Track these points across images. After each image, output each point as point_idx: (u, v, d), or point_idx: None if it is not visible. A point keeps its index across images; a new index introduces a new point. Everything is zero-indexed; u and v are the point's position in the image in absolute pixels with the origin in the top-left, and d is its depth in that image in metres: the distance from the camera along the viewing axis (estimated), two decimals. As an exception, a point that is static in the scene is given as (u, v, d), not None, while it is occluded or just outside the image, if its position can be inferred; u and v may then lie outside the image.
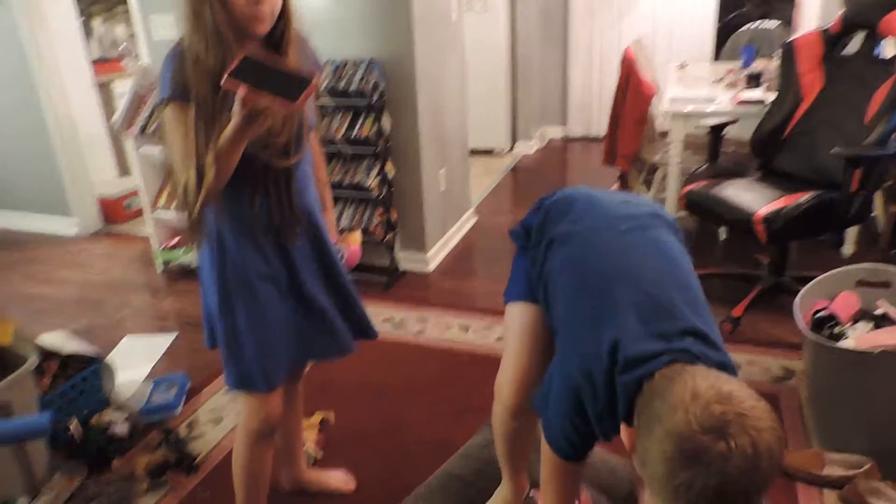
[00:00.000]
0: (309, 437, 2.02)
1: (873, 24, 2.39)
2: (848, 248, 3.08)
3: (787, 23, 4.69)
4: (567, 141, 5.76)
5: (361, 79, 2.85)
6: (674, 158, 3.09)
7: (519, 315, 1.34)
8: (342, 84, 2.86)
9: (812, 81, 2.61)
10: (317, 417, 2.09)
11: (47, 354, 2.11)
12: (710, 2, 5.18)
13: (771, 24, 4.47)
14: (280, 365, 1.43)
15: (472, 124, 5.03)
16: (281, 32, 1.30)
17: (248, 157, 1.25)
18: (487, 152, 5.36)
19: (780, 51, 2.74)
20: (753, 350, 2.37)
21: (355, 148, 2.95)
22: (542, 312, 1.28)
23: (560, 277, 1.18)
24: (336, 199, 3.09)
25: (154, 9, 3.32)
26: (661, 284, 1.07)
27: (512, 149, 5.46)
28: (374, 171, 2.96)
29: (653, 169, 3.50)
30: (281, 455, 1.79)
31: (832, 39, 2.59)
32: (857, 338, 1.78)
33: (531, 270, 1.29)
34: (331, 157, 3.04)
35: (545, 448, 1.20)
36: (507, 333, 1.39)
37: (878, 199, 3.26)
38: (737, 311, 2.52)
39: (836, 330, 1.79)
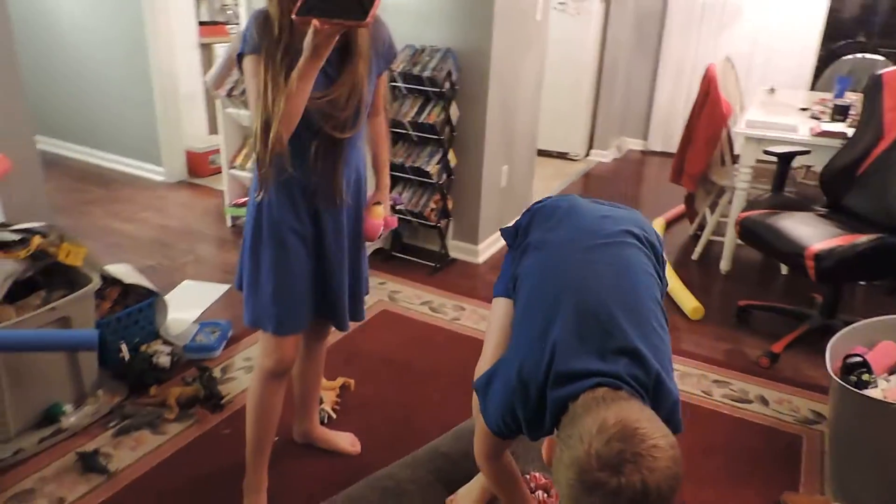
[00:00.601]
0: (327, 398, 2.13)
1: (971, 68, 2.25)
2: (917, 302, 2.92)
3: (892, 59, 4.43)
4: (646, 154, 5.66)
5: (436, 66, 2.93)
6: (741, 183, 3.00)
7: (499, 310, 1.41)
8: (416, 69, 2.95)
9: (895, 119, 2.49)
10: (338, 382, 2.20)
11: (111, 282, 2.31)
12: (816, 27, 4.95)
13: (876, 57, 4.24)
14: (296, 314, 1.52)
15: (549, 126, 5.07)
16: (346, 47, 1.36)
17: (307, 122, 1.35)
18: (562, 155, 5.34)
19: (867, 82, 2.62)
20: (786, 389, 2.30)
21: (420, 133, 3.04)
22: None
23: (525, 281, 1.25)
24: (397, 180, 3.20)
25: (257, -21, 3.52)
26: (607, 302, 1.10)
27: (588, 155, 5.41)
28: (436, 158, 3.04)
29: (721, 192, 3.41)
30: (297, 408, 1.92)
31: (925, 78, 2.45)
32: (887, 389, 1.71)
33: (511, 270, 1.37)
34: (397, 139, 3.14)
35: (480, 420, 1.26)
36: (488, 325, 1.46)
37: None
38: (777, 347, 2.45)
39: (865, 377, 1.72)
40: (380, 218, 1.65)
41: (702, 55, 5.24)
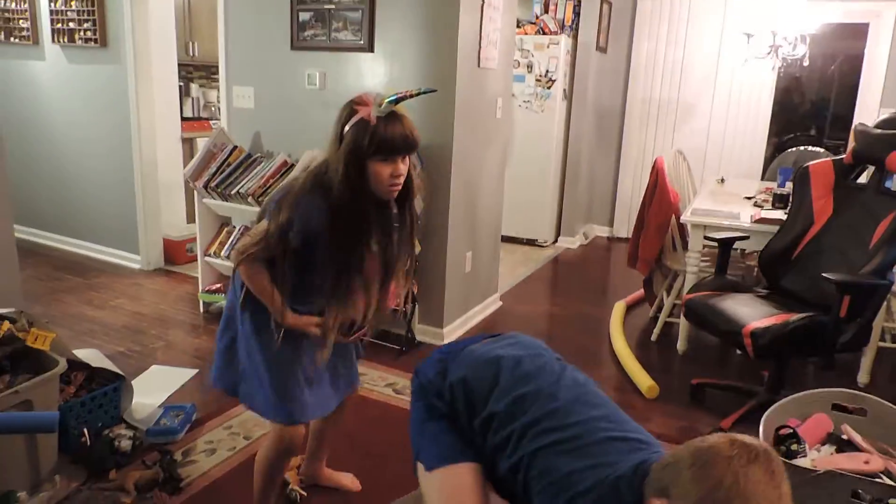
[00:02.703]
0: (292, 479, 2.17)
1: (880, 160, 2.48)
2: (863, 377, 3.03)
3: (836, 151, 4.76)
4: (612, 240, 5.89)
5: (400, 160, 3.13)
6: (690, 267, 3.17)
7: (461, 476, 1.32)
8: (382, 162, 3.15)
9: (823, 207, 2.69)
10: (296, 461, 2.23)
11: (78, 366, 2.37)
12: (764, 122, 5.32)
13: (817, 149, 4.56)
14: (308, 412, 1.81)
15: (518, 214, 5.31)
16: (404, 193, 1.65)
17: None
18: (531, 241, 5.54)
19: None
20: (735, 463, 2.36)
21: (386, 221, 3.20)
22: (479, 469, 1.32)
23: (522, 443, 1.23)
24: (364, 266, 3.33)
25: (236, 81, 3.77)
26: (618, 422, 1.26)
27: (555, 241, 5.62)
28: (401, 244, 3.19)
29: (675, 276, 3.58)
30: (308, 453, 2.17)
31: (845, 169, 2.68)
32: (815, 459, 1.80)
33: (456, 433, 1.36)
34: (365, 227, 3.30)
35: None
36: (442, 498, 1.33)
37: (902, 334, 3.21)
38: (725, 423, 2.54)
39: (794, 447, 1.81)
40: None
41: (660, 148, 5.58)
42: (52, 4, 4.35)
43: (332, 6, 3.36)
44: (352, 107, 1.58)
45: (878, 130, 2.53)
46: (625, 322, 3.77)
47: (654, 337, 3.55)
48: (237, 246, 1.66)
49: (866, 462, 1.74)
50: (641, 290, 4.00)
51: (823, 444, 1.89)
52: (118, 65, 4.20)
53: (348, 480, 2.19)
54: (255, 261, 1.61)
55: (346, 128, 1.56)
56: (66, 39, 4.35)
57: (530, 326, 3.58)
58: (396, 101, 1.58)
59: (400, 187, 1.60)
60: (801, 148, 4.74)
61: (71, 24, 4.30)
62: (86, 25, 4.23)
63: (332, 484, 2.17)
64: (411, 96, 1.60)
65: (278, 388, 1.71)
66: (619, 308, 3.86)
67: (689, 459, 0.96)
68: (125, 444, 2.27)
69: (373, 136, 1.52)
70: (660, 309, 3.70)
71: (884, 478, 1.70)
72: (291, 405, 1.72)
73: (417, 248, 3.25)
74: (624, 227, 5.85)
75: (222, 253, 3.61)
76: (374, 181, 1.56)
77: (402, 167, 1.59)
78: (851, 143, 2.66)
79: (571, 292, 4.61)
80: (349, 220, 1.56)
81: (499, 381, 1.31)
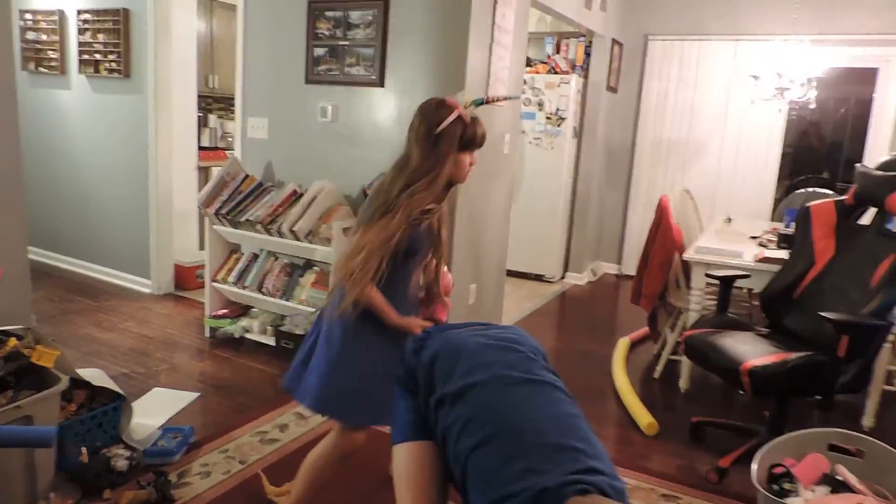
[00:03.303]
0: (272, 492, 2.18)
1: (881, 202, 2.49)
2: (867, 420, 2.98)
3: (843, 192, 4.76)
4: (620, 277, 5.88)
5: (406, 191, 3.18)
6: (693, 304, 3.17)
7: (411, 456, 1.37)
8: (389, 193, 3.21)
9: (825, 247, 2.70)
10: (288, 486, 2.23)
11: (80, 384, 2.41)
12: (773, 164, 5.34)
13: (826, 191, 4.56)
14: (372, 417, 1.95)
15: (525, 249, 5.34)
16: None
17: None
18: (538, 277, 5.55)
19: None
20: (732, 503, 2.33)
21: (391, 251, 3.24)
22: (432, 448, 1.34)
23: (465, 431, 1.23)
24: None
25: (251, 112, 3.89)
26: (557, 432, 1.19)
27: (563, 277, 5.63)
28: (405, 274, 3.22)
29: (679, 314, 3.56)
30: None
31: (846, 210, 2.70)
32: (809, 500, 1.77)
33: (416, 413, 1.38)
34: (370, 256, 3.35)
35: None
36: (399, 474, 1.39)
37: (909, 378, 3.17)
38: (724, 462, 2.50)
39: (787, 486, 1.79)
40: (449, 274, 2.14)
41: (669, 186, 5.60)
42: (81, 36, 4.52)
43: (347, 42, 3.47)
44: (443, 108, 1.83)
45: (879, 172, 2.55)
46: (629, 359, 3.75)
47: (656, 374, 3.53)
48: (351, 269, 1.78)
49: (859, 503, 1.72)
50: (646, 328, 3.98)
51: (818, 484, 1.87)
52: (140, 95, 4.35)
53: None
54: (369, 280, 1.78)
55: (442, 126, 1.80)
56: (91, 70, 4.51)
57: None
58: (481, 104, 1.91)
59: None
60: (811, 189, 4.76)
61: (97, 56, 4.46)
62: (111, 57, 4.39)
63: None
64: (496, 101, 2.00)
65: (355, 392, 1.88)
66: (622, 344, 3.85)
67: None
68: (122, 464, 2.29)
69: (465, 132, 1.83)
70: (664, 346, 3.68)
71: (877, 520, 1.67)
72: (364, 409, 1.89)
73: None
74: (632, 264, 5.83)
75: (230, 279, 3.67)
76: (457, 169, 1.86)
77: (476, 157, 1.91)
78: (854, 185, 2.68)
79: (577, 328, 4.60)
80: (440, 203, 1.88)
81: (457, 367, 1.31)
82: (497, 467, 1.14)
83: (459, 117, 1.82)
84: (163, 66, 4.31)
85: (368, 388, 1.86)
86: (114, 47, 4.36)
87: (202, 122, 5.68)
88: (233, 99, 4.04)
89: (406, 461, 1.37)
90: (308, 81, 3.62)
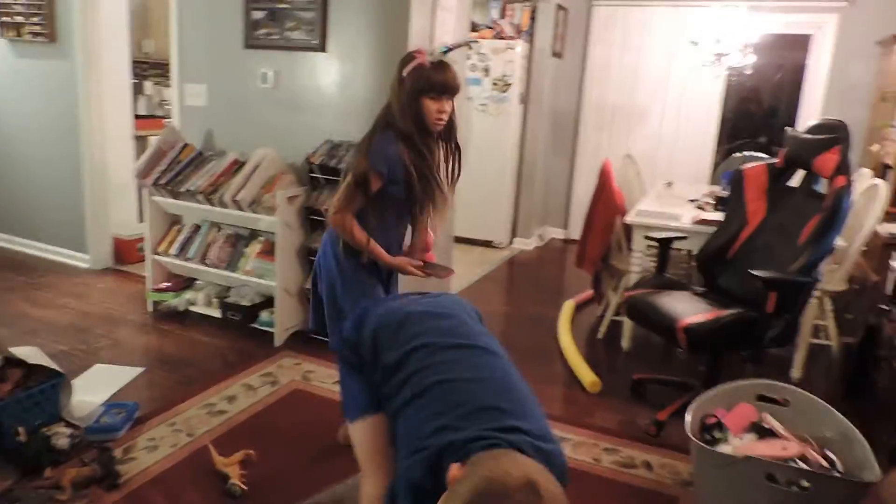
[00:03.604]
0: (234, 474, 2.17)
1: (809, 164, 2.60)
2: (795, 372, 3.15)
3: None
4: (567, 242, 5.99)
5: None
6: (634, 266, 3.26)
7: (373, 430, 1.43)
8: (333, 162, 3.17)
9: (757, 209, 2.80)
10: (237, 456, 2.24)
11: (14, 363, 2.33)
12: (713, 129, 5.48)
13: (761, 155, 4.72)
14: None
15: (474, 215, 5.36)
16: (448, 130, 2.08)
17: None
18: (487, 243, 5.60)
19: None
20: (669, 454, 2.45)
21: (337, 219, 3.22)
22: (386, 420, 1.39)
23: (398, 396, 1.28)
24: (315, 264, 3.35)
25: (189, 79, 3.75)
26: (490, 394, 1.22)
27: (511, 243, 5.70)
28: (352, 243, 3.21)
29: (622, 276, 3.66)
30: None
31: (777, 172, 2.80)
32: (739, 446, 1.88)
33: (367, 387, 1.41)
34: (316, 226, 3.32)
35: None
36: (361, 448, 1.46)
37: (832, 329, 3.36)
38: (662, 416, 2.62)
39: (717, 435, 1.89)
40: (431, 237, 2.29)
41: (614, 151, 5.67)
42: (-1, -3, 4.26)
43: (286, 5, 3.37)
44: (409, 56, 1.98)
45: (807, 135, 2.65)
46: (574, 321, 3.85)
47: (600, 335, 3.64)
48: (331, 203, 2.07)
49: (784, 448, 1.83)
50: (591, 290, 4.08)
51: (747, 432, 1.98)
52: (67, 60, 4.13)
53: None
54: (346, 212, 2.01)
55: (405, 72, 1.96)
56: (13, 34, 4.26)
57: (489, 321, 3.62)
58: (447, 52, 1.98)
59: (443, 122, 2.02)
60: (747, 153, 4.91)
61: (19, 18, 4.21)
62: (34, 19, 4.15)
63: None
64: (459, 47, 2.09)
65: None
66: (568, 307, 3.94)
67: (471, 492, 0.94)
68: (62, 442, 2.24)
69: (426, 78, 1.94)
70: (607, 308, 3.79)
71: (798, 462, 1.78)
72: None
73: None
74: (578, 228, 5.86)
75: (171, 251, 3.58)
76: (425, 115, 1.98)
77: (446, 106, 2.00)
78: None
79: (525, 293, 4.68)
80: (415, 146, 1.98)
81: (399, 337, 1.35)
82: (419, 424, 1.18)
83: (420, 63, 1.94)
84: (92, 30, 4.09)
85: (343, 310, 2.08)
86: (37, 9, 4.12)
87: (137, 90, 5.45)
88: (168, 64, 3.88)
89: (371, 435, 1.43)
90: (247, 46, 3.51)
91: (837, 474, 1.75)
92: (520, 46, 5.27)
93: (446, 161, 2.13)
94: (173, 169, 3.47)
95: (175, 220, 3.72)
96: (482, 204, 5.47)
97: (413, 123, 1.98)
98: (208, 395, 2.73)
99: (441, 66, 1.96)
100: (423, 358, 1.29)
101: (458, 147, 2.14)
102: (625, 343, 3.46)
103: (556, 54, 5.60)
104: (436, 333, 1.34)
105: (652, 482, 2.27)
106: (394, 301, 1.52)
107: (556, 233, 6.10)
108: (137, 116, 5.04)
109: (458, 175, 2.17)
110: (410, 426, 1.20)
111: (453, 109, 2.05)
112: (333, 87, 3.35)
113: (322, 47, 3.33)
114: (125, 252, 4.48)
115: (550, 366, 3.28)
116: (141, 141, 4.93)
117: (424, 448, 1.12)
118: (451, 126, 2.08)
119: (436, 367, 1.26)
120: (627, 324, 3.43)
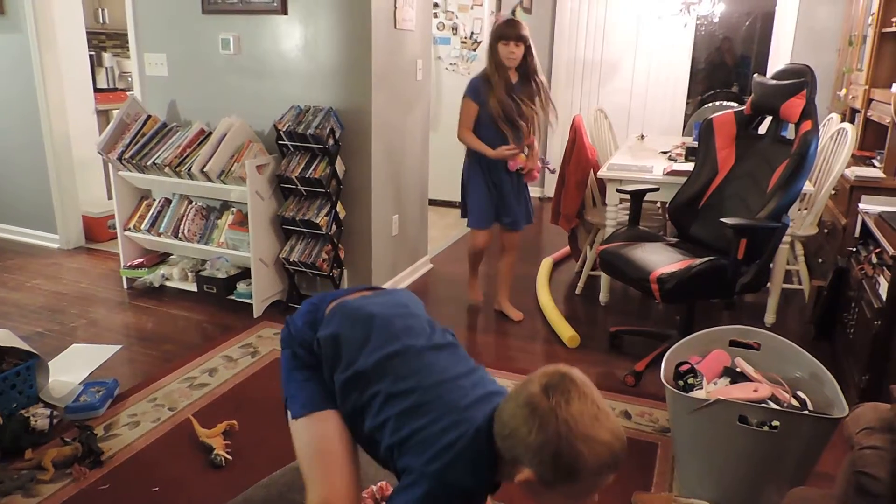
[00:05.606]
0: (217, 445, 2.18)
1: (776, 110, 2.61)
2: (769, 317, 3.22)
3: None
4: (543, 200, 5.99)
5: (318, 125, 3.10)
6: (609, 220, 3.28)
7: (329, 424, 1.35)
8: (301, 128, 3.11)
9: (726, 157, 2.82)
10: (220, 427, 2.24)
11: (-15, 348, 2.29)
12: (683, 80, 5.47)
13: (732, 104, 4.72)
14: (484, 220, 3.20)
15: (450, 178, 5.30)
16: (526, 68, 3.04)
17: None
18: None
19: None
20: (647, 402, 2.50)
21: (308, 187, 3.18)
22: (340, 416, 1.35)
23: (387, 405, 1.25)
24: (289, 233, 3.32)
25: (147, 48, 3.63)
26: (476, 384, 1.28)
27: (488, 203, 5.68)
28: (325, 210, 3.18)
29: (597, 231, 3.69)
30: (499, 284, 3.39)
31: (745, 120, 2.81)
32: (713, 391, 1.92)
33: (320, 384, 1.38)
34: (287, 193, 3.28)
35: None
36: (310, 448, 1.36)
37: (803, 274, 3.42)
38: (639, 366, 2.66)
39: (691, 381, 1.93)
40: (523, 158, 3.14)
41: (586, 106, 5.67)
42: (-59, -31, 4.06)
43: (243, -33, 3.26)
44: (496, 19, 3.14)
45: (774, 81, 2.65)
46: (552, 278, 3.88)
47: (578, 290, 3.67)
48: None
49: (755, 390, 1.87)
50: (568, 247, 4.11)
51: (720, 377, 2.02)
52: (19, 33, 3.98)
53: (513, 312, 3.30)
54: (462, 128, 3.12)
55: (492, 29, 3.02)
56: (-41, 7, 4.08)
57: (461, 286, 3.63)
58: (513, 13, 2.96)
59: (515, 61, 2.97)
60: (718, 103, 4.91)
61: (-37, -9, 4.03)
62: (-20, -8, 3.97)
63: (505, 311, 3.33)
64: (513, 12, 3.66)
65: (474, 204, 3.19)
66: (546, 264, 3.97)
67: (525, 427, 1.07)
68: (42, 423, 2.23)
69: (498, 30, 2.96)
70: (584, 263, 3.82)
71: (769, 403, 1.83)
72: (478, 216, 3.19)
73: (342, 213, 3.26)
74: (554, 186, 5.95)
75: (142, 227, 3.52)
76: (500, 56, 2.95)
77: (516, 50, 2.94)
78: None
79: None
80: (494, 82, 2.99)
81: (370, 340, 1.31)
82: (431, 426, 1.19)
83: (496, 21, 3.01)
84: (42, 1, 3.94)
85: (475, 201, 3.17)
86: (-18, -20, 3.94)
87: (96, 62, 5.29)
88: (127, 35, 3.75)
89: (321, 429, 1.34)
90: (205, 11, 3.40)
91: (807, 413, 1.80)
92: (487, 2, 5.17)
93: (536, 93, 3.05)
94: (138, 142, 3.39)
95: (144, 195, 3.65)
96: (457, 166, 5.41)
97: (494, 65, 2.96)
98: (189, 369, 2.73)
99: (509, 21, 2.95)
100: (407, 362, 1.29)
101: (539, 83, 3.06)
102: (602, 297, 3.50)
103: (526, 9, 5.51)
104: (410, 335, 1.33)
105: (631, 430, 2.32)
106: (347, 297, 1.46)
107: (534, 191, 6.04)
108: (98, 90, 4.90)
109: (548, 99, 3.12)
110: (418, 430, 1.20)
111: (530, 53, 2.98)
112: (297, 51, 3.27)
113: (283, 9, 3.24)
114: (96, 230, 4.41)
115: (531, 323, 3.31)
116: (104, 115, 4.81)
117: (452, 443, 1.16)
118: (528, 66, 3.00)
119: (424, 370, 1.28)
120: (604, 278, 3.46)
